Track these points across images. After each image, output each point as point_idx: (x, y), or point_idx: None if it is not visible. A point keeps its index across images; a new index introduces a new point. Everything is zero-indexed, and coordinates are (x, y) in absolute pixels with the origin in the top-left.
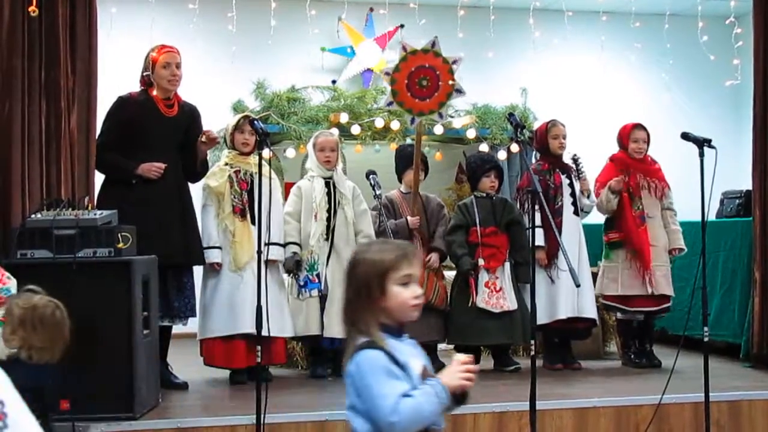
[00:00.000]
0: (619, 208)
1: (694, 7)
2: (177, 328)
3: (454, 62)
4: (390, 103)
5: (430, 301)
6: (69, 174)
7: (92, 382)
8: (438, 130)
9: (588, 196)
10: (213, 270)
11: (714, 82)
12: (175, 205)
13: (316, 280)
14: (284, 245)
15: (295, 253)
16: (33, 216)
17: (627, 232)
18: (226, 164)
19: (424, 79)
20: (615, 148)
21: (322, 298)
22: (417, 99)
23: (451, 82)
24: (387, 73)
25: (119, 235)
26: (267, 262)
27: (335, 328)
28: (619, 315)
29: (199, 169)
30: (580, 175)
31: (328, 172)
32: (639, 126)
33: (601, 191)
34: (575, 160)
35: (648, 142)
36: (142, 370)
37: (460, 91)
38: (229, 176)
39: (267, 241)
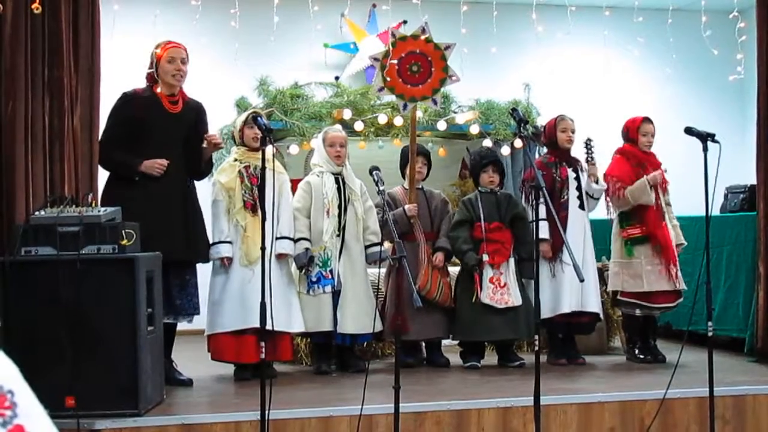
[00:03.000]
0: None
1: (698, 2)
2: (182, 325)
3: (447, 48)
4: (381, 89)
5: (434, 297)
6: (72, 172)
7: (97, 379)
8: (441, 126)
9: (596, 182)
10: (224, 265)
11: (717, 76)
12: (179, 202)
13: (330, 276)
14: (295, 240)
15: (307, 249)
16: (37, 213)
17: (651, 227)
18: (236, 160)
19: (414, 65)
20: (619, 142)
21: (335, 294)
22: (409, 85)
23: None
24: (376, 59)
25: (123, 232)
26: (277, 256)
27: (348, 324)
28: (637, 312)
29: (203, 169)
30: (590, 160)
31: (338, 167)
32: (647, 119)
33: (617, 186)
34: (588, 144)
35: (654, 136)
36: (146, 367)
37: (453, 77)
38: (239, 172)
39: (277, 235)
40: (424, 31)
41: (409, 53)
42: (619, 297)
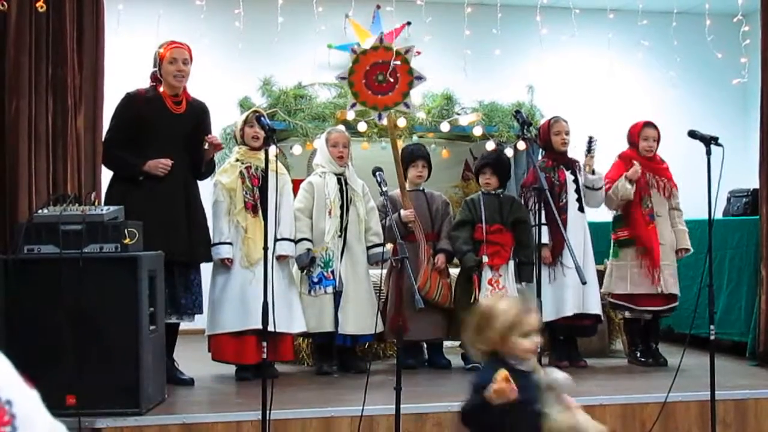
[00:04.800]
0: (627, 206)
1: (702, 5)
2: (183, 324)
3: (407, 51)
4: (353, 105)
5: (433, 298)
6: (75, 170)
7: (98, 378)
8: (444, 127)
9: (592, 173)
10: (224, 266)
11: (721, 80)
12: (181, 202)
13: (332, 277)
14: (296, 241)
15: (309, 249)
16: (40, 211)
17: (636, 230)
18: (237, 160)
19: (380, 75)
20: (622, 145)
21: (336, 295)
22: (379, 95)
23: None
24: (343, 77)
25: (126, 230)
26: (278, 257)
27: (350, 325)
28: (627, 314)
29: (204, 170)
30: (589, 153)
31: (341, 168)
32: (649, 124)
33: (611, 186)
34: (590, 140)
35: (658, 141)
36: (148, 366)
37: (420, 78)
38: (241, 172)
39: (278, 237)
40: (381, 41)
41: (373, 65)
42: (609, 299)
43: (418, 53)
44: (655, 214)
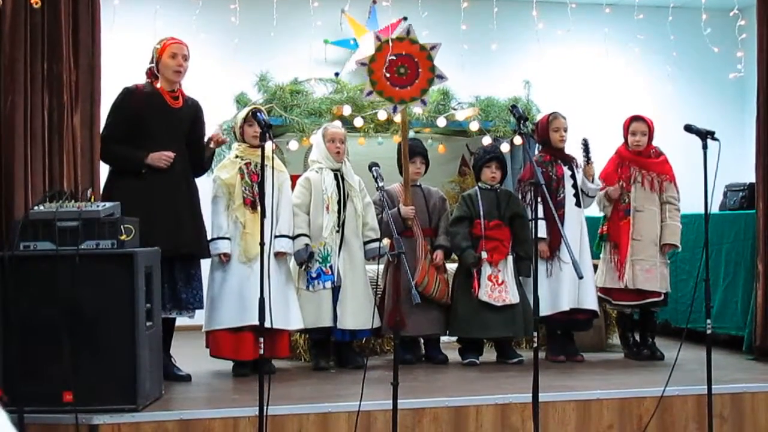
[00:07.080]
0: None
1: None
2: (180, 320)
3: (432, 48)
4: (370, 93)
5: (431, 293)
6: (72, 167)
7: (95, 374)
8: (441, 122)
9: (592, 180)
10: (222, 261)
11: (718, 74)
12: (184, 196)
13: (330, 272)
14: (294, 237)
15: (307, 245)
16: (36, 208)
17: (611, 225)
18: (237, 156)
19: (402, 67)
20: (617, 140)
21: (335, 290)
22: (397, 87)
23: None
24: (363, 63)
25: (122, 227)
26: (275, 254)
27: (348, 320)
28: (608, 307)
29: (204, 165)
30: (587, 160)
31: (338, 163)
32: (636, 118)
33: (604, 187)
34: (585, 144)
35: (650, 134)
36: (145, 362)
37: (441, 77)
38: (240, 168)
39: (276, 234)
40: (408, 32)
41: (396, 55)
42: (598, 292)
43: None
44: (634, 210)
